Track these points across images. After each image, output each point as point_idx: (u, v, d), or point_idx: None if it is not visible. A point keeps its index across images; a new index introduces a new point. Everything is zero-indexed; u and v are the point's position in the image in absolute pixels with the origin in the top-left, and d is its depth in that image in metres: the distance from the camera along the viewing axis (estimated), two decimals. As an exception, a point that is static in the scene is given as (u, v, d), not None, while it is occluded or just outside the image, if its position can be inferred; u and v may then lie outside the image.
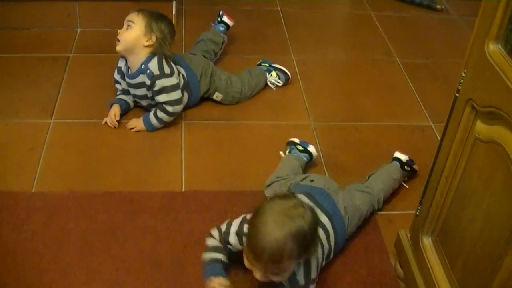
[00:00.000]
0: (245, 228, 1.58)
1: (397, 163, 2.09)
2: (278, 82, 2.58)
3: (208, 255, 1.67)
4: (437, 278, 1.51)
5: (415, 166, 2.13)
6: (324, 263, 1.71)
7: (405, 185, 2.11)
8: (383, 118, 2.47)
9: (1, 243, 1.79)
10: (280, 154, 2.17)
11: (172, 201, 1.97)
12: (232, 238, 1.63)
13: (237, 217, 1.67)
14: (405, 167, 2.09)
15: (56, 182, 2.03)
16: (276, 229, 1.43)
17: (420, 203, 1.61)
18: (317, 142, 2.28)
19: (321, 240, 1.65)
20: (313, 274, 1.59)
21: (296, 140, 2.16)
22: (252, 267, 1.53)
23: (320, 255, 1.64)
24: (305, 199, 1.69)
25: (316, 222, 1.52)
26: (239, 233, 1.62)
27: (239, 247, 1.63)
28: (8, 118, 2.31)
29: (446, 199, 1.47)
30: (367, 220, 1.95)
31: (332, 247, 1.73)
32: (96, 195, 1.97)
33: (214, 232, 1.69)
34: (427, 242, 1.58)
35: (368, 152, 2.27)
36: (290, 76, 2.60)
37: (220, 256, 1.67)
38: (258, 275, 1.52)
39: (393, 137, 2.35)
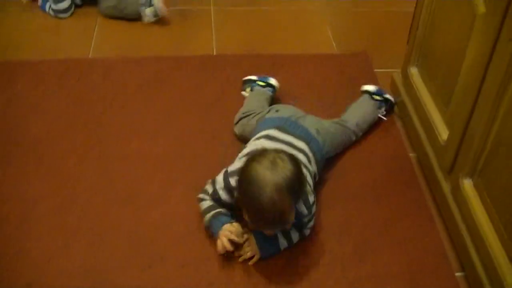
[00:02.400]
0: (232, 181, 1.60)
1: (366, 95, 2.09)
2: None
3: (209, 214, 1.63)
4: (423, 99, 1.87)
5: (387, 96, 2.09)
6: (313, 182, 1.73)
7: (383, 117, 2.08)
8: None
9: (67, 92, 2.19)
10: (242, 95, 2.16)
11: (207, 60, 2.38)
12: (222, 195, 1.63)
13: (218, 173, 1.68)
14: (374, 96, 2.07)
15: (109, 50, 2.45)
16: (273, 195, 1.44)
17: (408, 42, 1.98)
18: (329, 25, 2.66)
19: (305, 164, 1.67)
20: (311, 198, 1.62)
21: (254, 77, 2.14)
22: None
23: (310, 180, 1.66)
24: (278, 134, 1.74)
25: (298, 164, 1.54)
26: (226, 187, 1.62)
27: (231, 200, 1.63)
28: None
29: (427, 30, 1.84)
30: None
31: (315, 169, 1.76)
32: (145, 58, 2.38)
33: (203, 195, 1.67)
34: (413, 71, 1.96)
35: (373, 33, 2.62)
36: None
37: (221, 209, 1.64)
38: (267, 232, 1.58)
39: (396, 21, 2.68)
